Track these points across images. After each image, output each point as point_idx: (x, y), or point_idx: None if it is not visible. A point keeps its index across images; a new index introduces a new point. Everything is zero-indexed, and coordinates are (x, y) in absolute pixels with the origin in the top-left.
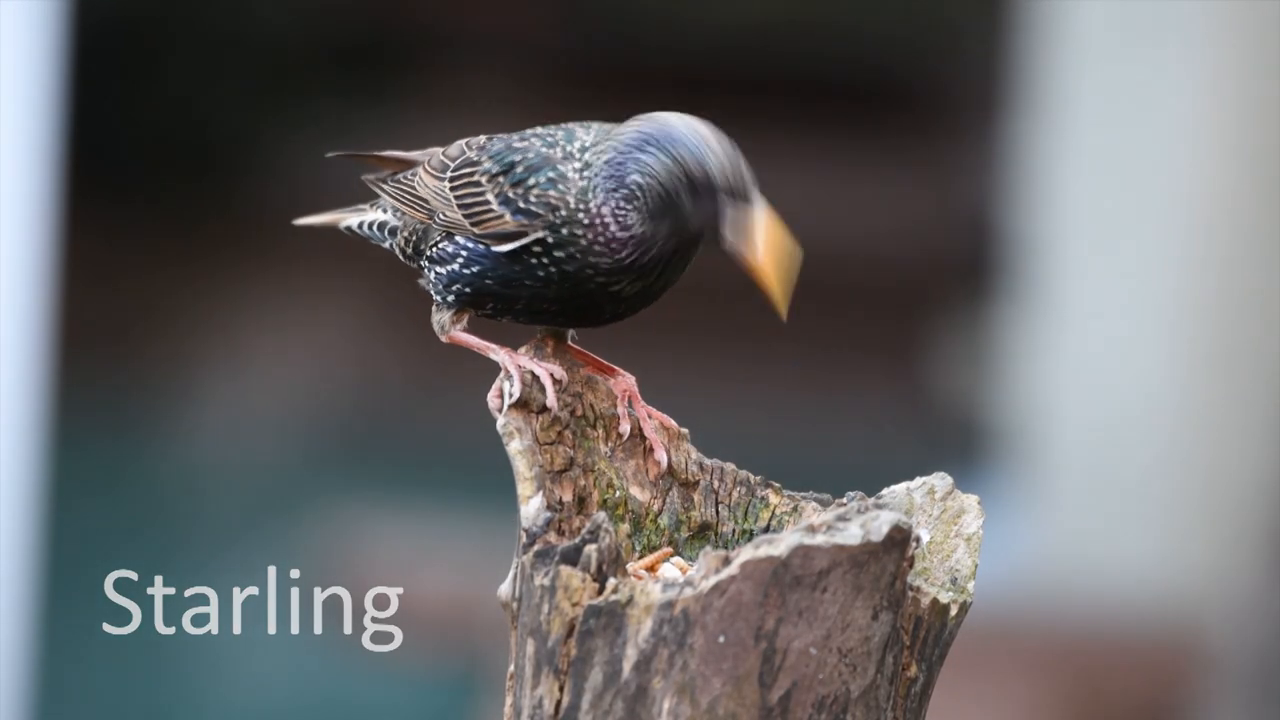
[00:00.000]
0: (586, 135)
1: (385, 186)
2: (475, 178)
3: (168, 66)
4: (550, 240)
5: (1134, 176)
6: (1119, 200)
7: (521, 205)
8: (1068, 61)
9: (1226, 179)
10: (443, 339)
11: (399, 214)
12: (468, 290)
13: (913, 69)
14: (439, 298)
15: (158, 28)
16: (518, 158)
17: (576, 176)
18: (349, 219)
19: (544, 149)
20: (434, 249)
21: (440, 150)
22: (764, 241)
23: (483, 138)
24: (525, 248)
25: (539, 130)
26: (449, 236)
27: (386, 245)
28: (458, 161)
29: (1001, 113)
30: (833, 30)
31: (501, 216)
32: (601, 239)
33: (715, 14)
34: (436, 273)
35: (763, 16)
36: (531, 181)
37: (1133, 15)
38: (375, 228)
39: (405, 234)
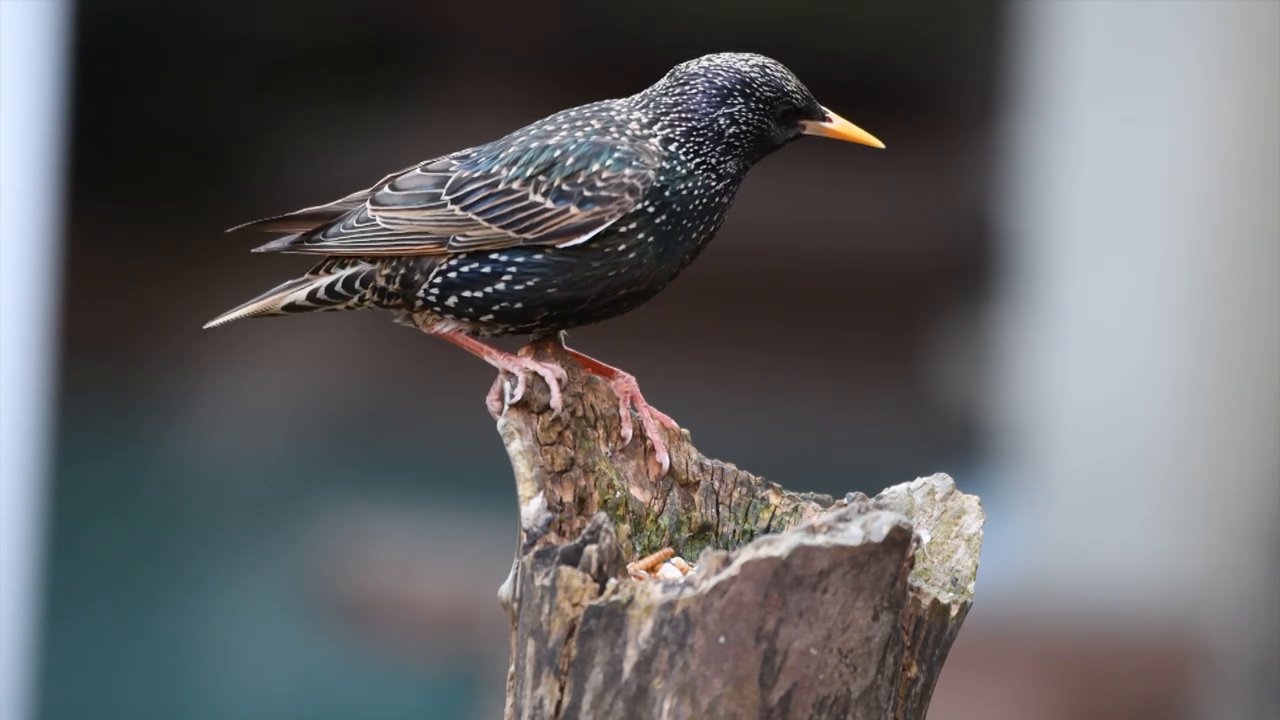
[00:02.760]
0: (631, 113)
1: (331, 243)
2: (501, 186)
3: (169, 70)
4: (652, 209)
5: (1134, 177)
6: (1119, 200)
7: (588, 194)
8: (1068, 61)
9: (1227, 179)
10: (425, 330)
11: (370, 261)
12: (517, 306)
13: (913, 69)
14: (460, 317)
15: (159, 30)
16: (556, 153)
17: (660, 149)
18: (291, 296)
19: (591, 136)
20: (451, 274)
21: (382, 189)
22: (854, 132)
23: (446, 159)
24: (612, 230)
25: (530, 129)
26: (475, 257)
27: (353, 302)
28: (450, 183)
29: (1002, 113)
30: (833, 31)
31: (565, 211)
32: (704, 188)
33: (717, 14)
34: (462, 297)
35: (764, 16)
36: (595, 168)
37: (1133, 15)
38: (343, 286)
39: (384, 273)
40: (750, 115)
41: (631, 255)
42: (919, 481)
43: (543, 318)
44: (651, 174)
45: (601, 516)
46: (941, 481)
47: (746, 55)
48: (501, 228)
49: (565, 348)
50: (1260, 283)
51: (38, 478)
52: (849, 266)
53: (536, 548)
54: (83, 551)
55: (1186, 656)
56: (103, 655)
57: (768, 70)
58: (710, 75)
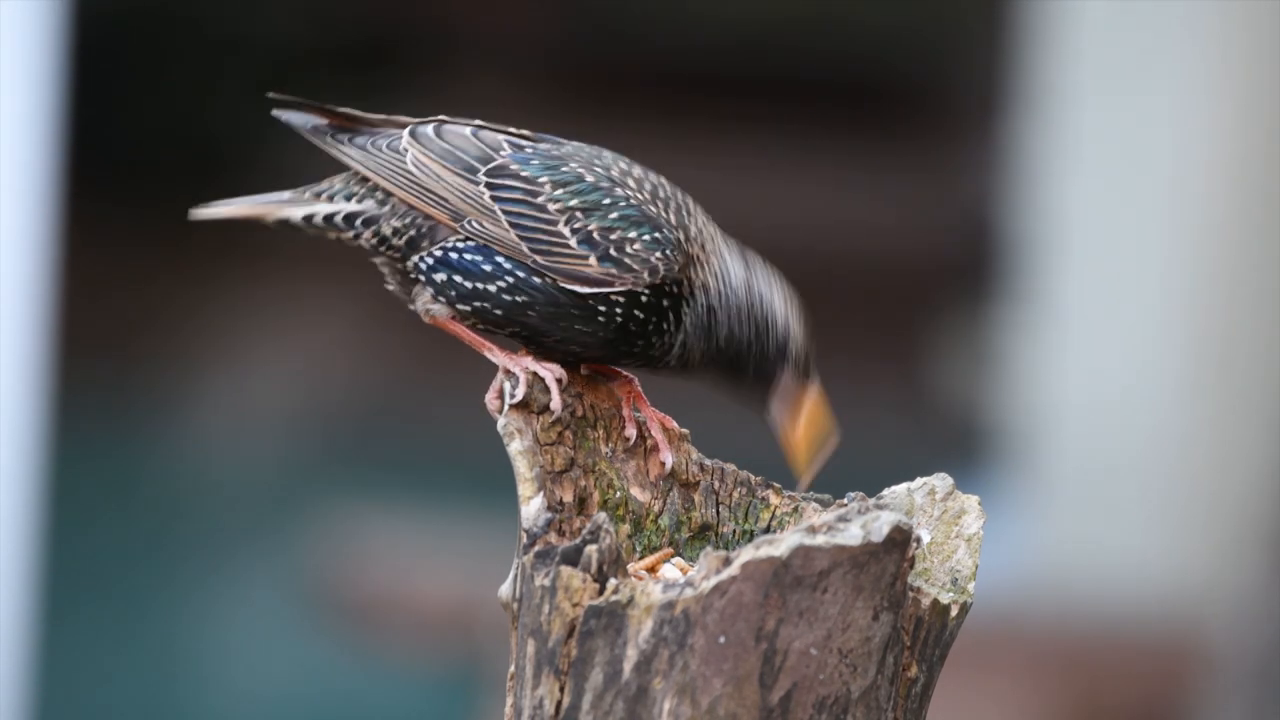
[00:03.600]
0: (703, 226)
1: (353, 153)
2: (538, 200)
3: (169, 70)
4: (645, 299)
5: (1134, 177)
6: (1120, 201)
7: (613, 254)
8: (1068, 62)
9: (1227, 179)
10: (425, 319)
11: (379, 198)
12: (497, 313)
13: (914, 69)
14: (439, 296)
15: (159, 30)
16: (605, 199)
17: (698, 253)
18: (287, 211)
19: (644, 205)
20: (452, 254)
21: (426, 127)
22: (805, 419)
23: (501, 136)
24: (606, 295)
25: (598, 159)
26: (483, 250)
27: (347, 236)
28: (490, 166)
29: (1002, 113)
30: (834, 30)
31: (585, 258)
32: (679, 337)
33: (717, 14)
34: (451, 279)
35: (765, 16)
36: (632, 235)
37: (1133, 14)
38: (343, 219)
39: (394, 225)
40: (745, 332)
41: (601, 319)
42: (919, 481)
43: (512, 332)
44: (676, 269)
45: (601, 516)
46: (941, 481)
47: (784, 288)
48: (519, 237)
49: None
50: (1261, 283)
51: (38, 478)
52: (849, 266)
53: (536, 548)
54: (82, 551)
55: (1187, 658)
56: (102, 655)
57: (788, 309)
58: (750, 281)
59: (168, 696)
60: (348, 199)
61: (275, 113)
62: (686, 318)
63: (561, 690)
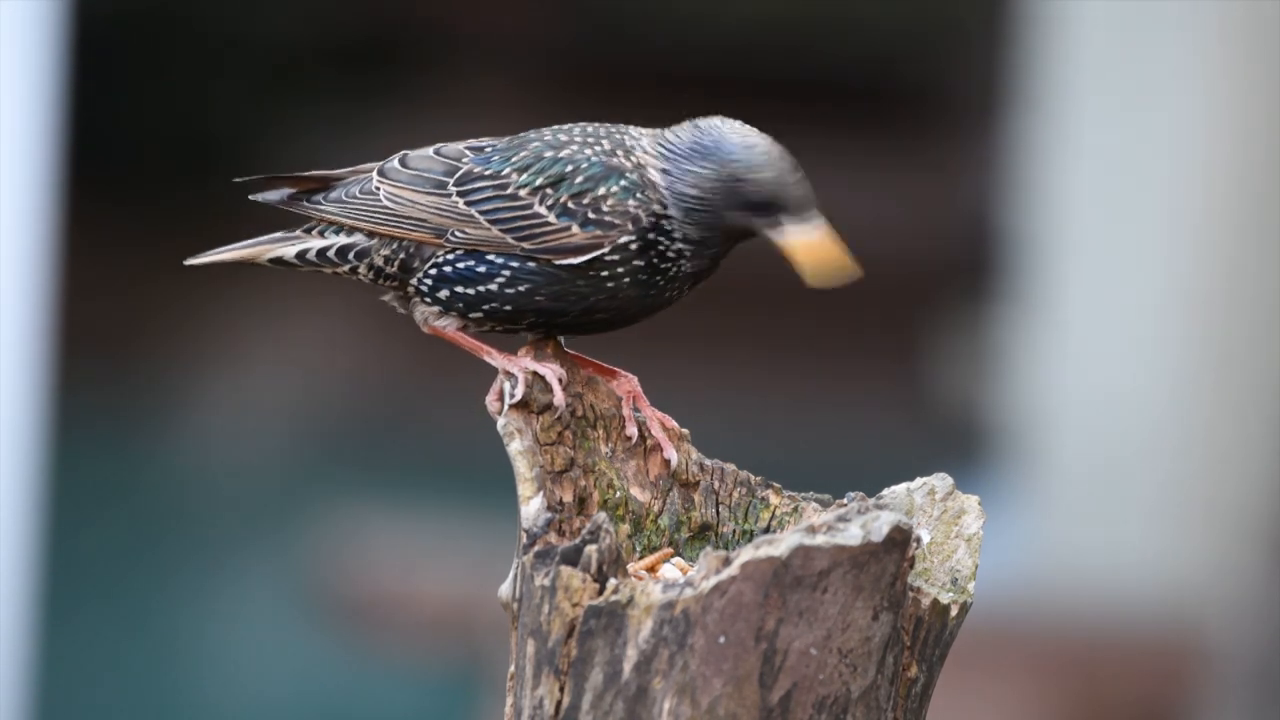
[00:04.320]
0: (642, 140)
1: (330, 208)
2: (509, 191)
3: (169, 70)
4: (635, 246)
5: (1135, 176)
6: (1120, 200)
7: (592, 216)
8: (1068, 61)
9: (1227, 179)
10: (424, 329)
11: (367, 235)
12: (507, 309)
13: (914, 69)
14: (448, 311)
15: (158, 29)
16: (568, 168)
17: (661, 180)
18: (280, 250)
19: (601, 157)
20: (446, 268)
21: (392, 161)
22: (813, 255)
23: (460, 146)
24: (599, 258)
25: (545, 134)
26: (472, 254)
27: (343, 270)
28: (457, 176)
29: (1002, 113)
30: (834, 31)
31: (567, 229)
32: (675, 254)
33: (718, 14)
34: (454, 292)
35: (765, 16)
36: (602, 191)
37: (1133, 15)
38: (336, 254)
39: (384, 254)
40: (708, 180)
41: (610, 285)
42: (919, 481)
43: (529, 323)
44: (656, 207)
45: (601, 516)
46: (941, 481)
47: (749, 129)
48: (501, 231)
49: (565, 349)
50: (1262, 282)
51: (37, 477)
52: None
53: (536, 548)
54: (82, 552)
55: (1187, 657)
56: (102, 655)
57: (752, 142)
58: (702, 130)
59: (168, 696)
60: (337, 233)
61: (252, 195)
62: (671, 212)
63: (561, 690)
